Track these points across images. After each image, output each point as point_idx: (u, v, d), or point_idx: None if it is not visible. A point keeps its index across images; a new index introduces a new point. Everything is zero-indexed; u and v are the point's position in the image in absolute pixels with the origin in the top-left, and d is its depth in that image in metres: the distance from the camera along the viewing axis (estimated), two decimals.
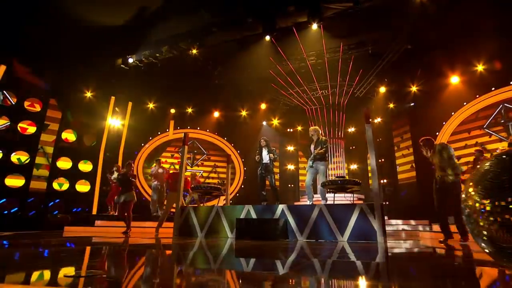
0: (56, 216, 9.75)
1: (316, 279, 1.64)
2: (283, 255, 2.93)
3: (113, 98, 11.83)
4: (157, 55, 10.14)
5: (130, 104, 12.30)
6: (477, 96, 9.44)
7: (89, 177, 10.94)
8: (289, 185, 14.72)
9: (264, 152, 6.33)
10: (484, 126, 9.28)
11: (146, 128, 12.71)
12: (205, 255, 2.94)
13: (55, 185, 10.19)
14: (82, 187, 10.71)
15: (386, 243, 4.14)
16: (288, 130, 15.32)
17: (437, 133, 10.37)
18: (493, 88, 9.10)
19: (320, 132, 6.19)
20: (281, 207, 5.09)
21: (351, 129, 13.61)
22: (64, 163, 10.45)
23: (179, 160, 12.86)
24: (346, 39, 9.23)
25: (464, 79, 9.64)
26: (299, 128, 15.15)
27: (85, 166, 10.99)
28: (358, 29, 8.76)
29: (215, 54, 10.19)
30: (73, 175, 10.49)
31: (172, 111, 13.12)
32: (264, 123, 14.43)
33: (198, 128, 13.51)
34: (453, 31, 8.30)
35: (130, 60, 10.50)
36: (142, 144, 12.78)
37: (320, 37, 9.08)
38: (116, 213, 7.71)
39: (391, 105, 12.01)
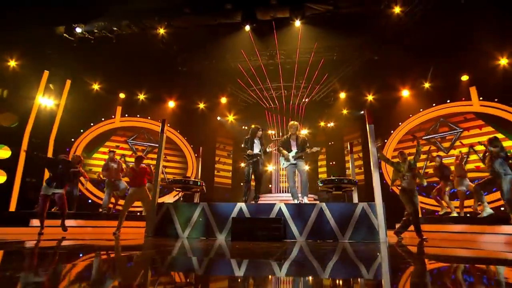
0: None
1: None
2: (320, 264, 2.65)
3: (46, 72, 9.85)
4: (114, 29, 8.78)
5: (68, 82, 10.42)
6: (421, 110, 10.67)
7: (6, 165, 8.89)
8: (242, 184, 14.43)
9: (257, 142, 5.80)
10: (424, 137, 10.52)
11: (88, 112, 10.94)
12: (204, 263, 2.47)
13: None
14: None
15: (387, 243, 4.22)
16: (243, 127, 15.10)
17: (386, 140, 11.40)
18: (434, 104, 10.40)
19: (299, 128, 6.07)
20: (278, 205, 4.81)
21: (304, 131, 14.07)
22: None
23: (130, 151, 11.59)
24: (319, 42, 9.41)
25: (412, 94, 10.81)
26: (253, 126, 15.03)
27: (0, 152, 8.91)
28: (331, 34, 8.98)
29: (182, 38, 9.29)
30: None
31: (121, 95, 11.59)
32: (219, 118, 13.92)
33: (149, 118, 12.22)
34: (410, 49, 9.16)
35: (78, 30, 8.85)
36: (81, 131, 10.95)
37: (296, 36, 9.07)
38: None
39: (345, 111, 12.79)
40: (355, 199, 6.01)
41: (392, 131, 11.28)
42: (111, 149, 8.07)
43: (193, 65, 10.55)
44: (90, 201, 10.50)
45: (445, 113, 10.10)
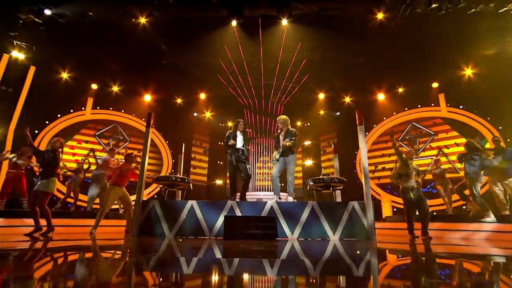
0: None
1: None
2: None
3: (5, 56, 8.95)
4: (90, 13, 8.17)
5: (32, 68, 9.55)
6: (394, 113, 11.23)
7: None
8: (218, 182, 14.28)
9: (240, 137, 5.60)
10: (399, 139, 11.09)
11: (55, 102, 10.14)
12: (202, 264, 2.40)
13: None
14: None
15: (376, 241, 4.36)
16: (220, 124, 14.93)
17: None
18: (406, 108, 10.99)
19: (289, 123, 5.73)
20: (270, 204, 4.77)
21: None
22: None
23: (101, 146, 10.90)
24: (303, 42, 9.51)
25: (387, 97, 11.33)
26: (230, 123, 14.94)
27: None
28: (315, 35, 9.10)
29: (164, 29, 8.90)
30: None
31: (93, 86, 10.87)
32: (196, 114, 13.64)
33: (123, 111, 11.61)
34: (388, 55, 9.57)
35: (47, 12, 8.12)
36: (47, 122, 10.11)
37: (281, 35, 9.09)
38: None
39: (322, 112, 13.10)
40: (339, 198, 6.15)
41: (367, 133, 11.74)
42: (111, 148, 7.65)
43: (173, 58, 10.16)
44: (55, 198, 9.74)
45: (416, 117, 10.72)
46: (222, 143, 16.28)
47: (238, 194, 5.58)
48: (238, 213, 4.74)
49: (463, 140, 9.64)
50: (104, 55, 9.65)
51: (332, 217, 4.64)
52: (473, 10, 7.83)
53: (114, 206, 7.81)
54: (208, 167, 13.96)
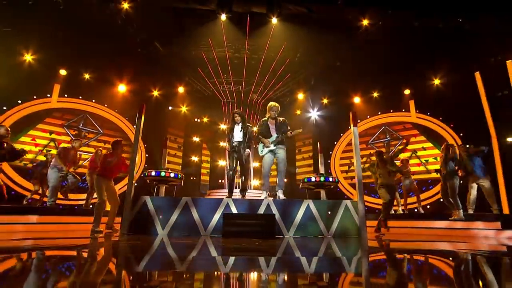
0: None
1: None
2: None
3: None
4: None
5: None
6: (368, 117, 11.80)
7: None
8: (192, 178, 13.98)
9: (237, 128, 5.25)
10: (369, 142, 11.68)
11: (15, 87, 9.14)
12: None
13: None
14: None
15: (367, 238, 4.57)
16: (196, 120, 14.63)
17: (335, 142, 12.32)
18: (379, 113, 11.61)
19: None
20: (266, 201, 4.77)
21: (254, 128, 14.29)
22: None
23: (68, 136, 10.05)
24: (288, 42, 9.60)
25: (362, 101, 11.87)
26: (205, 119, 14.73)
27: None
28: (300, 35, 9.24)
29: (147, 17, 8.45)
30: None
31: (62, 72, 9.99)
32: (171, 108, 13.21)
33: (93, 101, 10.84)
34: (366, 59, 10.01)
35: None
36: (4, 108, 9.11)
37: (267, 33, 9.11)
38: None
39: (298, 112, 13.38)
40: (323, 197, 6.34)
41: (341, 134, 12.22)
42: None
43: (153, 48, 9.70)
44: (13, 192, 8.83)
45: (388, 121, 11.37)
46: (197, 138, 16.06)
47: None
48: (234, 210, 4.68)
49: (429, 144, 10.47)
50: (77, 39, 8.91)
51: (326, 216, 4.77)
52: (446, 25, 8.50)
53: (93, 200, 7.32)
54: (182, 163, 13.59)
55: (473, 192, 6.17)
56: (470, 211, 6.11)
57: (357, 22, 8.63)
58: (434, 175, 8.27)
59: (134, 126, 11.50)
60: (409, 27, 8.58)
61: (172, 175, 5.12)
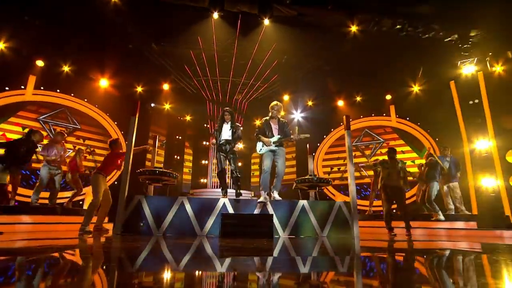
0: None
1: None
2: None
3: None
4: None
5: None
6: (350, 120, 12.13)
7: None
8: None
9: (226, 127, 5.10)
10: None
11: None
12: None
13: None
14: None
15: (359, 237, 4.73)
16: (179, 118, 14.39)
17: (319, 144, 12.58)
18: (361, 116, 12.01)
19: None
20: (262, 202, 4.79)
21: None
22: None
23: (44, 131, 9.48)
24: (277, 43, 9.68)
25: (346, 104, 12.22)
26: (188, 117, 14.56)
27: None
28: (290, 37, 9.34)
29: (135, 10, 8.18)
30: None
31: (39, 63, 9.42)
32: (153, 105, 12.91)
33: (72, 95, 10.33)
34: (352, 64, 10.32)
35: None
36: None
37: (258, 33, 9.15)
38: None
39: (282, 113, 13.48)
40: (312, 197, 6.47)
41: (325, 136, 12.51)
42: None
43: (140, 44, 9.41)
44: None
45: (370, 125, 11.79)
46: (180, 137, 15.79)
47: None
48: (231, 210, 4.67)
49: (408, 148, 10.99)
50: (58, 29, 8.46)
51: (320, 216, 4.88)
52: (427, 35, 8.97)
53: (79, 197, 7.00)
54: (164, 161, 13.30)
55: (446, 193, 6.58)
56: (449, 212, 6.51)
57: (344, 27, 8.88)
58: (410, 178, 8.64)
59: (116, 123, 11.19)
60: (393, 34, 8.95)
61: (169, 174, 5.00)
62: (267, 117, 5.17)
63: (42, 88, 9.66)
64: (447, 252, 2.91)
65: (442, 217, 6.19)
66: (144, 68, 10.69)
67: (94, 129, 10.77)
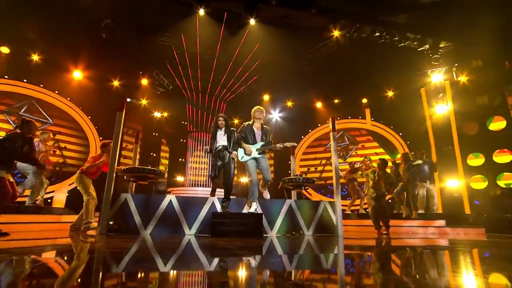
0: None
1: None
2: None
3: None
4: None
5: None
6: (328, 121, 12.52)
7: None
8: None
9: (220, 133, 4.83)
10: (327, 145, 12.42)
11: None
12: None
13: None
14: None
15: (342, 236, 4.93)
16: (156, 114, 14.00)
17: (296, 144, 12.81)
18: (338, 118, 12.41)
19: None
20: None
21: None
22: None
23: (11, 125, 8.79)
24: (261, 43, 9.73)
25: (324, 106, 12.58)
26: (165, 114, 14.22)
27: None
28: (275, 37, 9.43)
29: (117, 1, 7.84)
30: None
31: (4, 50, 8.72)
32: (129, 99, 12.45)
33: (42, 86, 9.68)
34: (332, 67, 10.65)
35: None
36: None
37: (243, 33, 9.15)
38: None
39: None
40: (294, 197, 6.62)
41: (302, 136, 12.79)
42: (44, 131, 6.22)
43: (119, 36, 9.03)
44: None
45: (346, 127, 12.23)
46: (156, 134, 15.39)
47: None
48: (220, 209, 4.65)
49: (381, 150, 11.54)
50: (29, 14, 7.89)
51: (307, 215, 5.01)
52: (402, 44, 9.48)
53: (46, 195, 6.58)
54: (140, 159, 12.86)
55: (422, 193, 7.04)
56: (421, 211, 6.96)
57: (326, 31, 9.14)
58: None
59: (89, 117, 10.65)
60: (371, 41, 9.35)
61: (158, 172, 4.87)
62: (250, 122, 4.94)
63: (6, 77, 8.95)
64: (422, 248, 3.14)
65: (417, 216, 6.65)
66: (121, 61, 10.27)
67: (66, 123, 10.18)
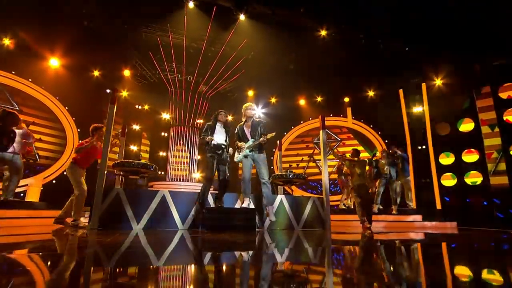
0: None
1: None
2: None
3: None
4: None
5: None
6: (310, 118, 12.82)
7: None
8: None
9: (220, 130, 4.68)
10: (314, 141, 12.67)
11: None
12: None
13: None
14: None
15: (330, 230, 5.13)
16: (137, 107, 13.62)
17: (278, 141, 12.98)
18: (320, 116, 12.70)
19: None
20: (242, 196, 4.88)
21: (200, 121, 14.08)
22: None
23: None
24: (249, 40, 9.74)
25: (306, 104, 12.82)
26: (146, 107, 13.90)
27: None
28: (261, 36, 9.47)
29: None
30: None
31: None
32: (108, 91, 12.02)
33: (13, 73, 9.10)
34: (317, 66, 10.86)
35: None
36: None
37: (231, 28, 9.10)
38: None
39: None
40: (281, 192, 6.77)
41: (285, 133, 12.97)
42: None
43: (102, 24, 8.66)
44: None
45: (328, 124, 12.50)
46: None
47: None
48: (212, 204, 4.68)
49: (361, 148, 11.96)
50: None
51: (296, 210, 5.16)
52: (383, 46, 9.86)
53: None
54: (119, 152, 12.48)
55: (398, 190, 7.46)
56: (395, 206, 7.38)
57: (313, 31, 9.31)
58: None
59: (67, 108, 10.16)
60: (354, 42, 9.65)
61: (150, 166, 4.77)
62: (241, 122, 4.81)
63: None
64: (407, 241, 3.38)
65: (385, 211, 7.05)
66: (102, 50, 9.84)
67: (40, 112, 9.65)
